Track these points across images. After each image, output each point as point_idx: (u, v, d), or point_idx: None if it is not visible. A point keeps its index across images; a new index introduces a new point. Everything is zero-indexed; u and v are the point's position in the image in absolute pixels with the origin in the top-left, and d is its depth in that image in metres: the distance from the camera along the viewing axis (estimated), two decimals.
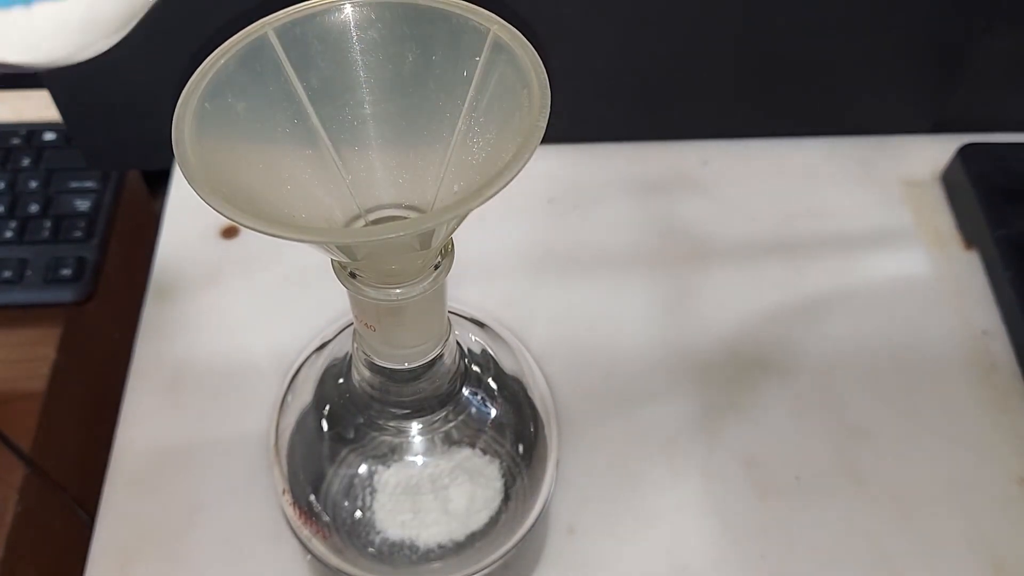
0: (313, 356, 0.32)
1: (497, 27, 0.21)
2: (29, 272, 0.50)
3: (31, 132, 0.55)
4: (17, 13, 0.13)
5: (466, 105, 0.22)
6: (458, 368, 0.28)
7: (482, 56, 0.21)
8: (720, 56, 0.49)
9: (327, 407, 0.30)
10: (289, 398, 0.32)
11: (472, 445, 0.30)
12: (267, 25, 0.21)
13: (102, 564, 0.39)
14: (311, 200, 0.22)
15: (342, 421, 0.29)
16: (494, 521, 0.31)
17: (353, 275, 0.23)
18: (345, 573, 0.30)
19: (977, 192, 0.48)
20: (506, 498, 0.31)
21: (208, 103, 0.20)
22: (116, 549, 0.39)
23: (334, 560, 0.30)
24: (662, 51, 0.48)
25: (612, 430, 0.42)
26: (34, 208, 0.52)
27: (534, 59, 0.20)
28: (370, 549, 0.30)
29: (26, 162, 0.54)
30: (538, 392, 0.32)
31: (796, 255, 0.49)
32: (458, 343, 0.28)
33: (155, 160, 0.54)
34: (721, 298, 0.47)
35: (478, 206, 0.18)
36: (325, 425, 0.30)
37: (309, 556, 0.32)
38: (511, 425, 0.31)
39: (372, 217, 0.24)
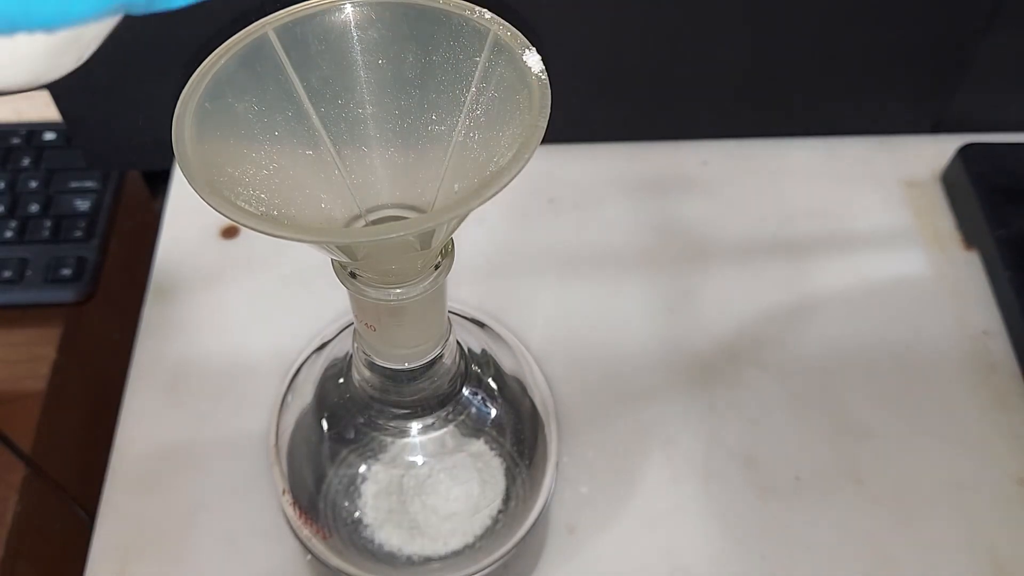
0: (313, 356, 0.32)
1: (497, 27, 0.21)
2: (29, 272, 0.50)
3: (31, 132, 0.55)
4: None
5: (466, 105, 0.22)
6: (458, 368, 0.28)
7: (482, 56, 0.21)
8: (720, 56, 0.49)
9: (327, 407, 0.30)
10: (289, 398, 0.32)
11: (472, 445, 0.30)
12: (267, 25, 0.21)
13: (102, 564, 0.39)
14: (311, 200, 0.22)
15: (342, 421, 0.29)
16: (494, 521, 0.31)
17: (353, 275, 0.23)
18: (345, 573, 0.30)
19: (977, 192, 0.48)
20: (506, 498, 0.31)
21: (208, 103, 0.20)
22: (116, 549, 0.39)
23: (334, 560, 0.30)
24: (662, 51, 0.48)
25: (612, 430, 0.42)
26: (34, 208, 0.52)
27: (534, 59, 0.20)
28: (370, 549, 0.30)
29: (26, 162, 0.54)
30: (538, 392, 0.32)
31: (796, 255, 0.49)
32: (458, 343, 0.28)
33: (155, 160, 0.54)
34: (721, 298, 0.47)
35: (478, 206, 0.18)
36: (325, 425, 0.30)
37: (309, 556, 0.32)
38: (511, 425, 0.31)
39: (372, 217, 0.24)
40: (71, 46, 0.17)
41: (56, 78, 0.18)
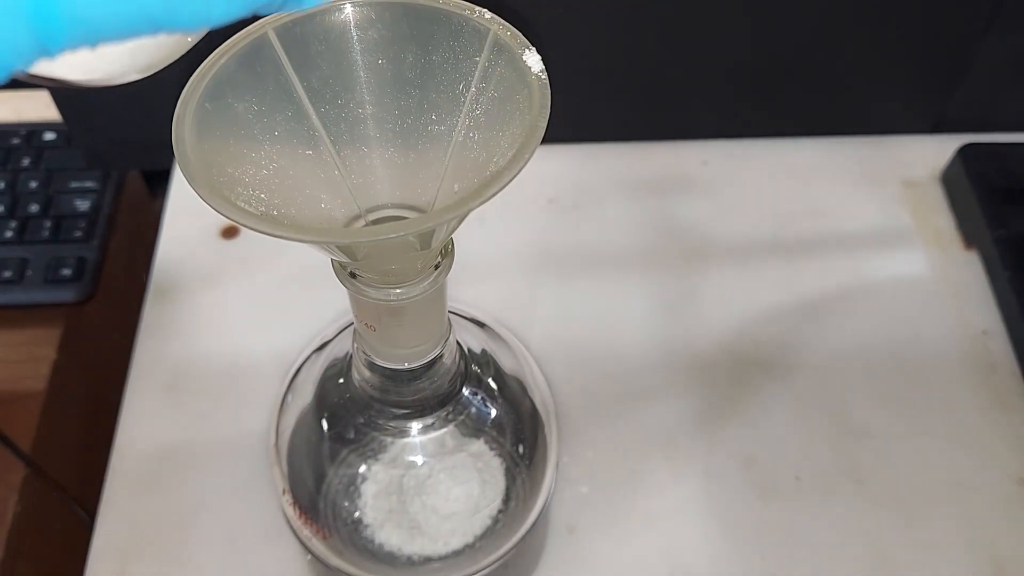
0: (313, 356, 0.32)
1: (497, 27, 0.21)
2: (29, 272, 0.50)
3: (31, 132, 0.55)
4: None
5: (466, 105, 0.22)
6: (458, 368, 0.28)
7: (482, 56, 0.21)
8: (720, 56, 0.49)
9: (327, 407, 0.30)
10: (289, 398, 0.32)
11: (472, 445, 0.30)
12: (267, 25, 0.21)
13: (102, 564, 0.39)
14: (311, 200, 0.22)
15: (342, 421, 0.29)
16: (494, 521, 0.31)
17: (353, 275, 0.23)
18: (345, 573, 0.30)
19: (977, 192, 0.48)
20: (506, 498, 0.31)
21: (208, 103, 0.20)
22: (116, 549, 0.39)
23: (334, 560, 0.30)
24: (663, 51, 0.48)
25: (612, 430, 0.42)
26: (34, 208, 0.52)
27: (534, 59, 0.20)
28: (370, 549, 0.30)
29: (26, 162, 0.54)
30: (538, 392, 0.32)
31: (796, 255, 0.49)
32: (458, 343, 0.28)
33: (155, 160, 0.54)
34: (721, 298, 0.47)
35: (478, 206, 0.18)
36: (325, 425, 0.30)
37: (309, 556, 0.32)
38: (511, 425, 0.31)
39: (372, 217, 0.24)
40: (191, 44, 0.17)
41: (150, 73, 0.18)
